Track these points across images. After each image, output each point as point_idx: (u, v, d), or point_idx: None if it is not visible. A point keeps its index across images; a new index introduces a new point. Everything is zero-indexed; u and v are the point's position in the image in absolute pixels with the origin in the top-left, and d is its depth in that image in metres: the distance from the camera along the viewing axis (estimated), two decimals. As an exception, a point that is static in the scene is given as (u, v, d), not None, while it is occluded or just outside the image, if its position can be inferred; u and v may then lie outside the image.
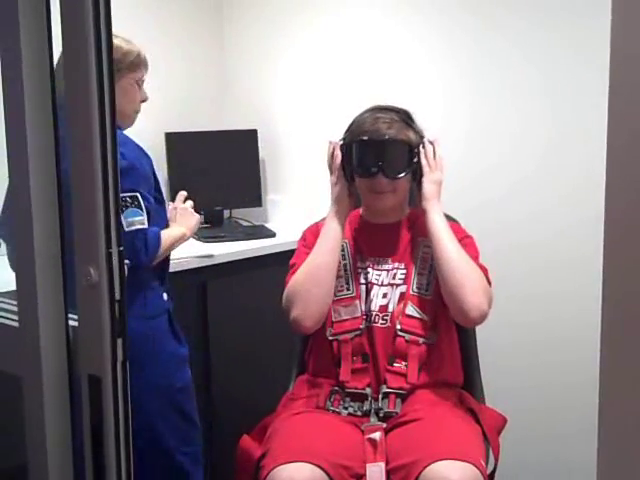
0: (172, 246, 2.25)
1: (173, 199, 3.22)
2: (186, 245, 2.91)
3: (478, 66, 2.72)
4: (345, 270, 2.13)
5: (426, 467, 1.74)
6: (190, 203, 2.41)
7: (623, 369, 0.99)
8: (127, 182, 2.00)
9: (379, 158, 2.06)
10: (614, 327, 0.99)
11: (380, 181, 2.08)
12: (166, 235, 2.19)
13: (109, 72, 1.19)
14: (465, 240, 2.13)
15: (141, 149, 2.14)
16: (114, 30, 1.20)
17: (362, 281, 2.13)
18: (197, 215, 2.40)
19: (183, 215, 2.36)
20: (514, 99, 2.64)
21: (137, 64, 2.14)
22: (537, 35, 2.56)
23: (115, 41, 1.95)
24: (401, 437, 1.91)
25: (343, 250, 2.15)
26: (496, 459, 1.95)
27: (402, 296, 2.09)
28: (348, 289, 2.11)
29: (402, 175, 2.09)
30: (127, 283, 1.24)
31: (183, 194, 2.42)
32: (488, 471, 1.88)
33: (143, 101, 2.23)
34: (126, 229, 2.00)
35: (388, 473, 1.86)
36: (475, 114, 2.74)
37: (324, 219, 2.20)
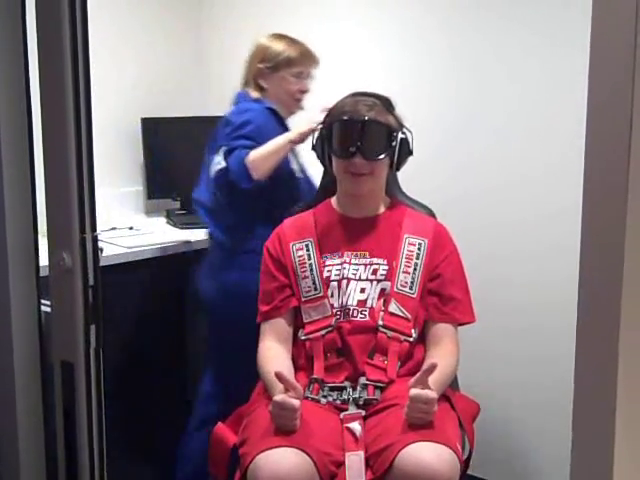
0: (273, 153, 2.28)
1: (149, 186, 3.19)
2: (163, 232, 2.90)
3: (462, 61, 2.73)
4: (311, 270, 2.11)
5: (401, 449, 1.74)
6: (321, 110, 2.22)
7: (596, 358, 1.00)
8: (221, 136, 2.41)
9: (358, 138, 2.05)
10: (589, 312, 1.01)
11: (358, 162, 2.07)
12: (261, 148, 2.28)
13: (84, 58, 1.18)
14: (449, 258, 2.13)
15: (269, 115, 2.41)
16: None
17: (334, 277, 2.10)
18: (310, 115, 2.30)
19: (299, 121, 2.38)
20: (496, 92, 2.65)
21: (292, 60, 2.45)
22: (518, 30, 2.57)
23: (277, 43, 2.46)
24: (379, 424, 1.91)
25: (308, 250, 2.14)
26: (471, 445, 1.96)
27: (383, 292, 2.08)
28: (315, 289, 2.09)
29: (381, 157, 2.08)
30: None
31: (323, 107, 2.22)
32: (464, 457, 1.88)
33: (303, 92, 2.49)
34: (212, 175, 2.41)
35: (367, 461, 1.86)
36: (458, 108, 2.75)
37: (281, 226, 2.20)
